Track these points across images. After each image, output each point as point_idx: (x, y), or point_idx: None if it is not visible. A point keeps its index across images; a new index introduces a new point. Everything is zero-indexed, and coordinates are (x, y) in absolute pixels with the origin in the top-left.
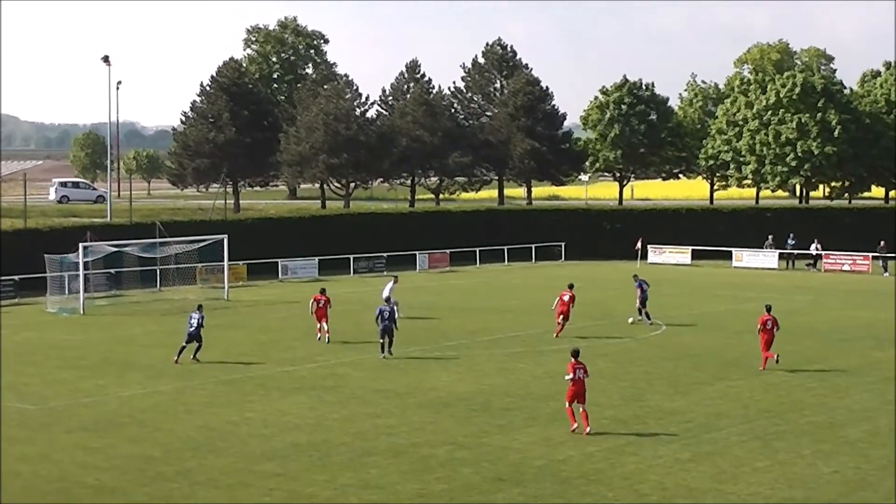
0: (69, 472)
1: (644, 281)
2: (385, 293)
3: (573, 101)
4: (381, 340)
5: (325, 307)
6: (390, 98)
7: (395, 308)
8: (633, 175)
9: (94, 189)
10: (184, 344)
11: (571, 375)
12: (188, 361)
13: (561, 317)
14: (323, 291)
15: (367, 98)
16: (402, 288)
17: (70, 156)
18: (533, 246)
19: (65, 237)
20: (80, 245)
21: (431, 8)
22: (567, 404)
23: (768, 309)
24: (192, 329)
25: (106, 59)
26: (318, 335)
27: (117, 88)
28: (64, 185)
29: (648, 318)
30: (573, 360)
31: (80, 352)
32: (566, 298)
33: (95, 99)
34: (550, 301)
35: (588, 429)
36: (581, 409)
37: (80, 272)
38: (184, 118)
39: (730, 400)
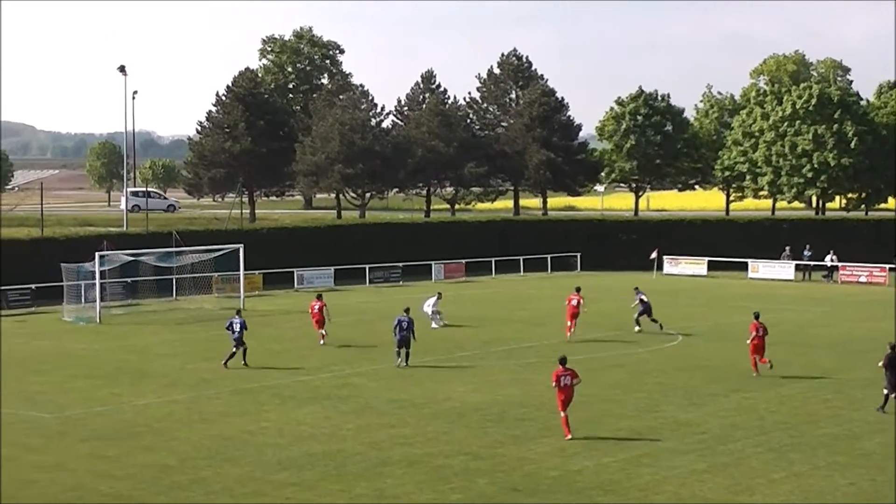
0: (84, 481)
1: (644, 294)
2: (426, 308)
3: (589, 111)
4: (398, 349)
5: (321, 312)
6: (406, 108)
7: (440, 316)
8: (648, 186)
9: (166, 198)
10: (233, 350)
11: (555, 384)
12: (240, 366)
13: (573, 319)
14: (319, 297)
15: (382, 108)
16: (416, 298)
17: (86, 165)
18: (548, 256)
19: (81, 246)
20: (97, 254)
21: (447, 18)
22: (561, 413)
23: (756, 316)
24: (236, 335)
25: (122, 69)
26: (321, 341)
27: (133, 98)
28: (135, 194)
29: (661, 326)
30: (561, 367)
31: (96, 360)
32: (574, 303)
33: (112, 108)
34: (565, 311)
35: (569, 435)
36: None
37: (97, 281)
38: (199, 128)
39: (745, 411)
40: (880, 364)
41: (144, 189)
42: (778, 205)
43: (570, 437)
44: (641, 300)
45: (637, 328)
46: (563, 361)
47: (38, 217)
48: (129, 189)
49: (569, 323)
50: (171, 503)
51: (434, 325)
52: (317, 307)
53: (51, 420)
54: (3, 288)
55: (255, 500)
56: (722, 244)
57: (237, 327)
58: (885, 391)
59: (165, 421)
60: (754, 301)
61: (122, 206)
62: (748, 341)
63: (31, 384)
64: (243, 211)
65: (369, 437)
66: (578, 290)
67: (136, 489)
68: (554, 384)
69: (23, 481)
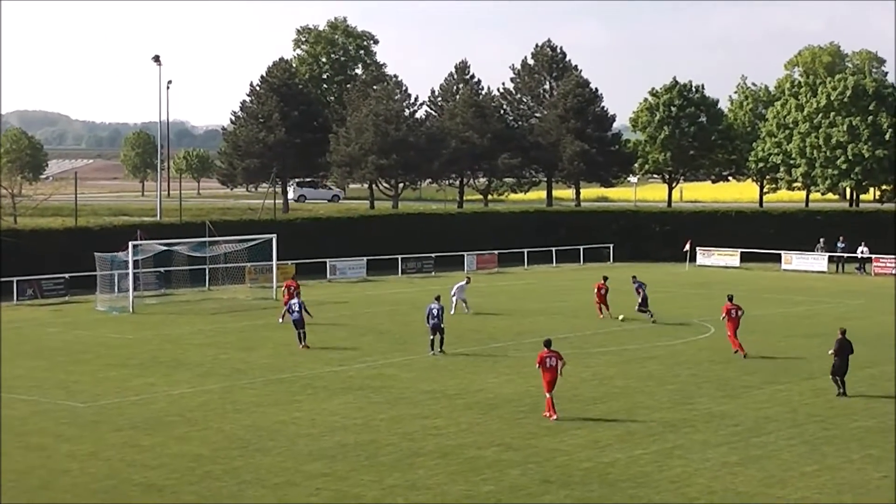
0: (118, 470)
1: (642, 283)
2: (453, 292)
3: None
4: (432, 337)
5: (293, 293)
6: (439, 99)
7: (466, 304)
8: (682, 177)
9: (330, 189)
10: (297, 331)
11: (539, 365)
12: (299, 351)
13: (601, 306)
14: (294, 278)
15: (416, 99)
16: (448, 289)
17: (121, 155)
18: (581, 247)
19: (115, 236)
20: (130, 244)
21: (481, 9)
22: (546, 394)
23: (730, 298)
24: (296, 316)
25: (157, 59)
26: (281, 320)
27: (168, 88)
28: (301, 184)
29: (651, 315)
30: (545, 349)
31: (130, 350)
32: (602, 292)
33: (146, 98)
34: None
35: (553, 416)
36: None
37: (130, 271)
38: (234, 118)
39: (778, 404)
40: (831, 352)
41: (310, 179)
42: (812, 196)
43: (555, 417)
44: (640, 289)
45: (651, 318)
46: (547, 344)
47: (72, 207)
48: (295, 180)
49: (601, 306)
50: (204, 493)
51: (453, 311)
52: (291, 287)
53: (85, 409)
54: (37, 277)
55: (287, 490)
56: (755, 236)
57: (295, 307)
58: (832, 376)
59: (199, 411)
60: (788, 293)
61: (290, 196)
62: (721, 318)
63: (66, 373)
64: (277, 201)
65: (402, 428)
66: (605, 279)
67: (169, 478)
68: (538, 366)
69: (56, 470)
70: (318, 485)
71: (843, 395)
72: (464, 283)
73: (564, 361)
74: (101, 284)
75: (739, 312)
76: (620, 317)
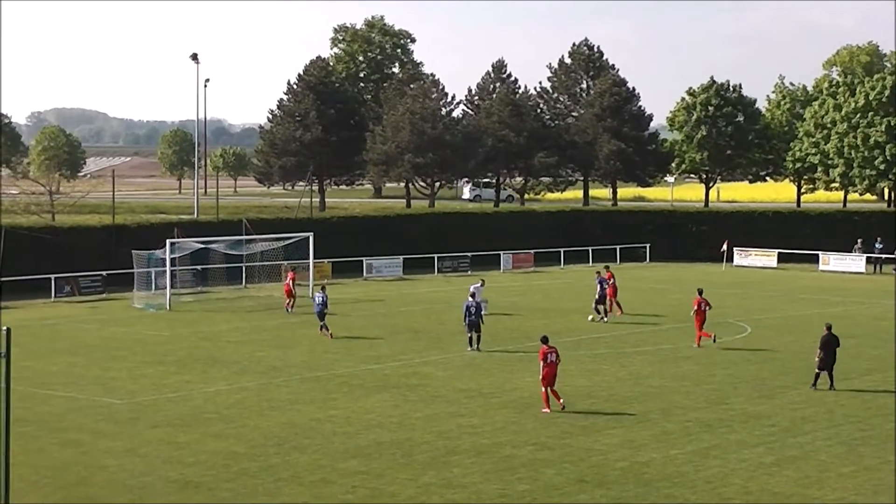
0: (154, 467)
1: (605, 279)
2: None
3: (660, 102)
4: (469, 335)
5: (290, 283)
6: (476, 98)
7: (484, 306)
8: (719, 177)
9: (505, 189)
10: (320, 323)
11: (542, 361)
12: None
13: (613, 297)
14: (294, 269)
15: (453, 98)
16: (486, 288)
17: (158, 152)
18: (617, 247)
19: (152, 233)
20: (168, 241)
21: (518, 8)
22: (543, 389)
23: (700, 292)
24: (316, 309)
25: (195, 57)
26: (291, 309)
27: (205, 86)
28: (476, 184)
29: (605, 316)
30: (545, 345)
31: (166, 347)
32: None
33: (184, 96)
34: (634, 302)
35: (561, 401)
36: (551, 390)
37: (167, 268)
38: (271, 116)
39: (815, 404)
40: (819, 354)
41: (486, 180)
42: (850, 197)
43: (548, 410)
44: (602, 285)
45: (604, 318)
46: (545, 340)
47: (109, 204)
48: (468, 180)
49: (615, 303)
50: (240, 490)
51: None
52: (289, 278)
53: (121, 406)
54: (74, 274)
55: (323, 487)
56: (793, 236)
57: (318, 300)
58: (816, 369)
59: (235, 408)
60: (825, 294)
61: (465, 196)
62: (691, 313)
63: (103, 370)
64: (313, 199)
65: (437, 427)
66: (607, 267)
67: (206, 475)
68: (541, 361)
69: (93, 466)
70: (354, 482)
71: (831, 388)
72: (478, 284)
73: (559, 358)
74: (138, 282)
75: (708, 307)
76: (590, 317)
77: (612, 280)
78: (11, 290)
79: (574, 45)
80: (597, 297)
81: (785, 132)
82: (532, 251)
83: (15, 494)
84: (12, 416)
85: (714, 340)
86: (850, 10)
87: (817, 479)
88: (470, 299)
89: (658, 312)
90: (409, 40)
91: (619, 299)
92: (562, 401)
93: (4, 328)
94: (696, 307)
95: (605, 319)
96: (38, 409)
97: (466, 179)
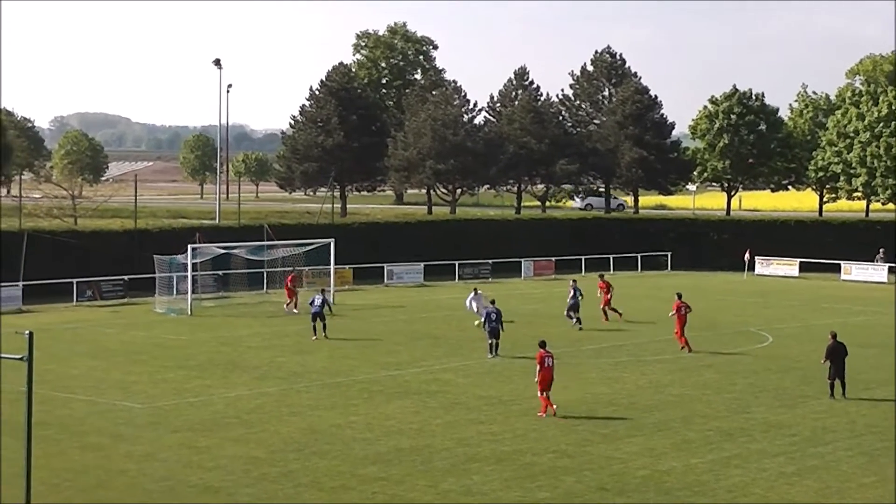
0: (174, 471)
1: (579, 289)
2: (470, 305)
3: (682, 110)
4: (490, 341)
5: (291, 283)
6: (498, 105)
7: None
8: (741, 185)
9: (616, 198)
10: (312, 323)
11: (540, 365)
12: (322, 338)
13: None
14: (293, 270)
15: (474, 104)
16: (507, 295)
17: (180, 157)
18: (639, 255)
19: (174, 238)
20: (189, 246)
21: (540, 15)
22: (539, 393)
23: (679, 296)
24: (313, 310)
25: (217, 63)
26: (295, 309)
27: (228, 91)
28: (588, 194)
29: (579, 322)
30: (542, 350)
31: (187, 352)
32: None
33: (206, 101)
34: (655, 310)
35: (543, 414)
36: (546, 394)
37: (189, 273)
38: (293, 122)
39: (836, 414)
40: (823, 361)
41: (595, 188)
42: (872, 206)
43: (544, 415)
44: (575, 294)
45: (579, 325)
46: (543, 345)
47: (131, 209)
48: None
49: (604, 311)
50: (260, 495)
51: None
52: (289, 280)
53: (142, 410)
54: (96, 279)
55: (342, 493)
56: (814, 245)
57: (316, 302)
58: (828, 379)
59: (255, 413)
60: (846, 303)
61: (576, 205)
62: (670, 315)
63: (124, 374)
64: (335, 205)
65: (457, 433)
66: (602, 275)
67: (226, 480)
68: (539, 365)
69: (113, 470)
70: (374, 489)
71: (843, 397)
72: (473, 294)
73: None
74: (160, 286)
75: (687, 310)
76: (579, 326)
77: (605, 289)
78: (33, 293)
79: (596, 52)
80: (570, 304)
81: (807, 141)
82: (553, 258)
83: (36, 496)
84: (34, 418)
85: (690, 349)
86: (874, 19)
87: (838, 489)
88: (490, 306)
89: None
90: (431, 47)
91: (637, 307)
92: (555, 407)
93: (27, 332)
94: (674, 311)
95: (581, 327)
96: (59, 413)
97: (580, 190)
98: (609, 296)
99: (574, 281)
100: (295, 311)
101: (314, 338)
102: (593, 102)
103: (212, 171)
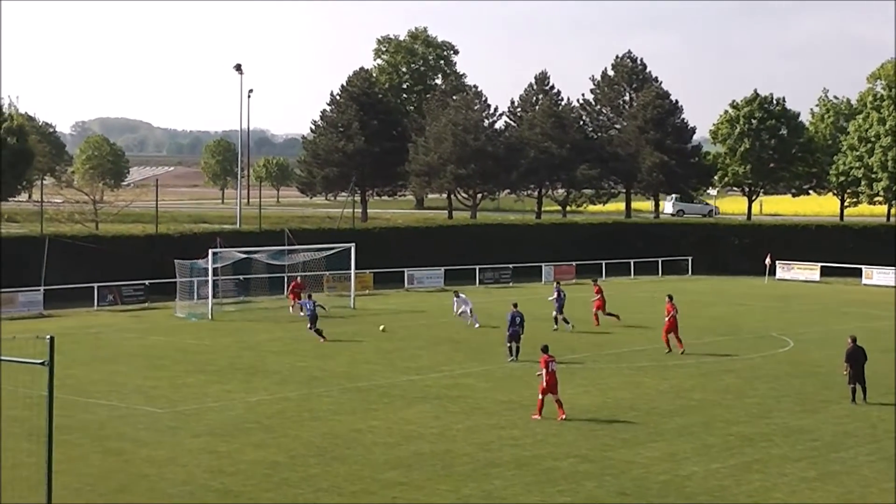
0: (195, 476)
1: (562, 290)
2: (460, 309)
3: (703, 114)
4: (509, 344)
5: (296, 289)
6: (519, 109)
7: (473, 317)
8: (762, 190)
9: (707, 204)
10: (312, 328)
11: (545, 369)
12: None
13: (598, 311)
14: (298, 278)
15: (495, 109)
16: (527, 300)
17: (201, 162)
18: (659, 260)
19: (195, 243)
20: (210, 251)
21: (561, 20)
22: (540, 396)
23: (670, 298)
24: (308, 313)
25: (238, 68)
26: (302, 313)
27: (248, 96)
28: (679, 199)
29: (567, 322)
30: (545, 354)
31: (208, 357)
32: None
33: (227, 107)
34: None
35: (563, 416)
36: (554, 399)
37: (210, 278)
38: (314, 127)
39: (858, 419)
40: (845, 371)
41: (690, 193)
42: (894, 211)
43: (538, 417)
44: (559, 295)
45: (568, 325)
46: (545, 349)
47: (152, 213)
48: (674, 195)
49: (597, 314)
50: (281, 500)
51: (477, 323)
52: (292, 286)
53: (163, 415)
54: (117, 283)
55: (363, 498)
56: (836, 250)
57: (308, 306)
58: (848, 384)
59: (276, 418)
60: (868, 308)
61: (668, 210)
62: (665, 318)
63: (145, 379)
64: (355, 210)
65: (478, 438)
66: (595, 280)
67: (246, 485)
68: (544, 369)
69: (134, 475)
70: (395, 494)
71: (864, 402)
72: (455, 298)
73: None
74: (181, 291)
75: (676, 313)
76: (569, 327)
77: (599, 295)
78: (55, 298)
79: (617, 57)
80: (556, 306)
81: (828, 146)
82: (574, 263)
83: (57, 500)
84: (55, 423)
85: (670, 350)
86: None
87: (860, 494)
88: (514, 309)
89: (700, 326)
90: (452, 52)
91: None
92: (563, 416)
93: (48, 336)
94: (672, 312)
95: (568, 328)
96: (81, 417)
97: (674, 195)
98: (601, 300)
99: (558, 283)
100: (301, 314)
101: (322, 341)
102: (614, 107)
103: (233, 175)
